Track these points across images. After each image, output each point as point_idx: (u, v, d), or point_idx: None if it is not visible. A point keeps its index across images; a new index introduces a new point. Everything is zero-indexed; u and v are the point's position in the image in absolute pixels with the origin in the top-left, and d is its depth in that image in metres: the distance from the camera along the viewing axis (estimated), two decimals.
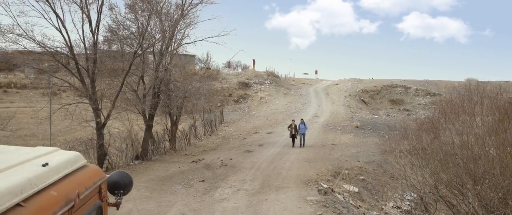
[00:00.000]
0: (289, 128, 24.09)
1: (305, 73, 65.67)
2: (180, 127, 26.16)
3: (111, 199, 2.51)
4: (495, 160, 8.91)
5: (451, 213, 10.33)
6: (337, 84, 52.76)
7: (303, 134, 23.77)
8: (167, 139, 24.29)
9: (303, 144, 23.66)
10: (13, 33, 16.78)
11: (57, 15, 17.52)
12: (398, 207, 14.50)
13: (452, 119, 10.53)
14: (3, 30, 16.70)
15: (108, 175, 2.40)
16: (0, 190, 1.43)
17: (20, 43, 17.10)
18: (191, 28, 22.54)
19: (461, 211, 9.73)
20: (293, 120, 25.26)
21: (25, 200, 1.49)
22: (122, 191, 2.38)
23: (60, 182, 1.78)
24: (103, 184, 2.20)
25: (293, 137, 23.69)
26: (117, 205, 2.38)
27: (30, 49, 17.63)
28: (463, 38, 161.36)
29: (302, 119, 25.04)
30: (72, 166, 1.95)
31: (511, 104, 9.71)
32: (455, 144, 9.97)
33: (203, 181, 15.56)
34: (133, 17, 20.50)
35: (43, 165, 1.76)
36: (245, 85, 46.36)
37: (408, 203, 14.86)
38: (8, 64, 32.69)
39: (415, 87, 49.10)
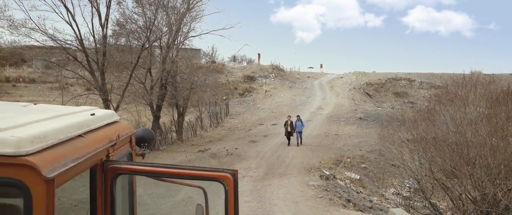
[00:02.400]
0: (285, 125, 21.75)
1: (310, 67, 65.59)
2: (186, 119, 26.74)
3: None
4: (486, 143, 9.40)
5: (446, 195, 10.85)
6: (341, 77, 53.02)
7: (300, 132, 21.57)
8: (174, 129, 24.89)
9: (301, 142, 21.58)
10: (25, 27, 17.48)
11: (67, 9, 18.18)
12: (398, 193, 15.00)
13: (447, 105, 11.01)
14: (16, 24, 17.39)
15: (136, 130, 2.99)
16: (69, 124, 2.04)
17: (32, 37, 17.80)
18: (197, 21, 23.11)
19: (455, 193, 10.24)
20: (289, 116, 22.63)
21: (84, 134, 2.07)
22: (146, 144, 3.00)
23: (104, 127, 2.37)
24: (133, 136, 2.80)
25: (289, 134, 21.42)
26: (142, 155, 2.99)
27: (41, 43, 18.28)
28: (468, 32, 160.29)
29: (298, 116, 22.93)
30: (110, 119, 2.56)
31: (502, 92, 10.18)
32: (449, 129, 10.47)
33: None
34: (140, 11, 21.06)
35: (91, 114, 2.36)
36: (250, 78, 46.76)
37: (407, 189, 15.36)
38: (18, 58, 33.42)
39: (419, 80, 49.30)
